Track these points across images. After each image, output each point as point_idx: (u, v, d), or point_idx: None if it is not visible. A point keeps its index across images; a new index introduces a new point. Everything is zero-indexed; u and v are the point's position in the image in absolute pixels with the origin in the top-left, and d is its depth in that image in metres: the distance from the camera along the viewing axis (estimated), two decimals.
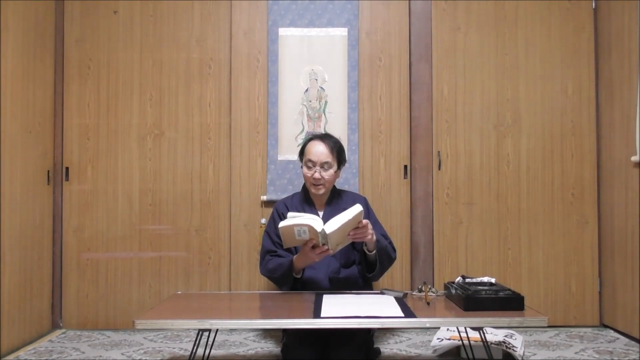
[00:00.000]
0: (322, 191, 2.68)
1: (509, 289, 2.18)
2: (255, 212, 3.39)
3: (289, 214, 2.44)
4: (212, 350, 2.62)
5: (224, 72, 3.44)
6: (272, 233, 2.67)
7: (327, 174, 2.66)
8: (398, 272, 3.37)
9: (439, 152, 3.41)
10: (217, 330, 2.39)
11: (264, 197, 3.37)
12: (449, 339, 2.76)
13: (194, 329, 2.19)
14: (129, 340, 3.13)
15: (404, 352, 2.86)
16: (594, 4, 3.41)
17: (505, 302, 2.11)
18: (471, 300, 2.10)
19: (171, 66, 3.44)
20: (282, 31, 3.41)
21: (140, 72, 3.44)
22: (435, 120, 3.42)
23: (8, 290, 2.87)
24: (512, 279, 3.37)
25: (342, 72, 3.40)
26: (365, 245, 2.58)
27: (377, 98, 3.43)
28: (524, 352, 2.74)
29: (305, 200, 2.75)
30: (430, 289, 2.42)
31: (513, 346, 2.67)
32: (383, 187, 3.41)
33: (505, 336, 2.77)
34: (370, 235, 2.46)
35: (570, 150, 3.40)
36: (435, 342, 2.81)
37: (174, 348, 2.96)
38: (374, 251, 2.57)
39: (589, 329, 3.30)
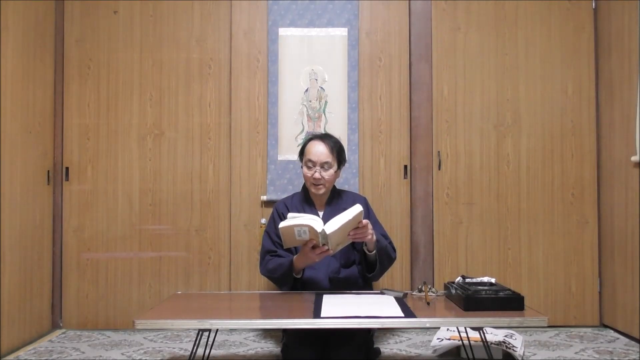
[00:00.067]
0: (322, 191, 2.68)
1: (509, 289, 2.18)
2: (255, 212, 3.39)
3: (289, 215, 2.44)
4: (212, 350, 2.62)
5: (224, 72, 3.44)
6: (272, 233, 2.67)
7: (327, 174, 2.66)
8: (398, 272, 3.37)
9: (439, 152, 3.41)
10: (217, 330, 2.39)
11: (264, 197, 3.37)
12: (449, 339, 2.76)
13: (194, 329, 2.19)
14: (129, 340, 3.13)
15: (404, 352, 2.86)
16: (594, 4, 3.41)
17: (505, 302, 2.11)
18: (471, 300, 2.10)
19: (171, 66, 3.44)
20: (282, 31, 3.41)
21: (140, 72, 3.44)
22: (435, 120, 3.42)
23: (8, 290, 2.87)
24: (512, 279, 3.37)
25: (342, 72, 3.40)
26: (365, 245, 2.58)
27: (377, 98, 3.43)
28: (524, 352, 2.74)
29: (305, 200, 2.75)
30: (430, 289, 2.42)
31: (513, 346, 2.67)
32: (383, 187, 3.41)
33: (505, 336, 2.77)
34: (370, 235, 2.46)
35: (570, 150, 3.40)
36: (435, 342, 2.81)
37: (174, 348, 2.96)
38: (374, 251, 2.57)
39: (589, 329, 3.30)
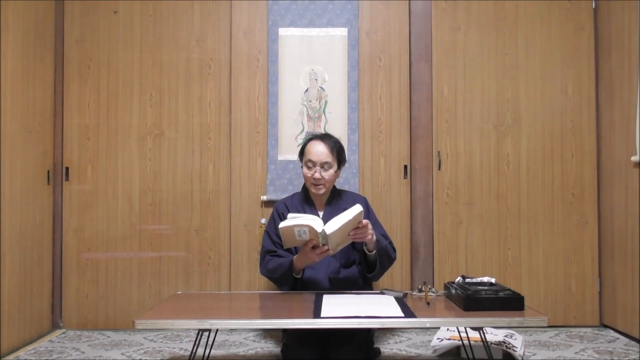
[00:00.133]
0: (322, 191, 2.68)
1: (509, 289, 2.18)
2: (255, 212, 3.39)
3: (289, 215, 2.44)
4: (212, 350, 2.62)
5: (224, 72, 3.44)
6: (272, 233, 2.67)
7: (327, 174, 2.66)
8: (398, 272, 3.37)
9: (439, 152, 3.41)
10: (217, 330, 2.39)
11: (264, 197, 3.37)
12: (449, 339, 2.76)
13: (194, 329, 2.19)
14: (129, 340, 3.13)
15: (404, 352, 2.86)
16: (594, 4, 3.41)
17: (505, 302, 2.11)
18: (471, 300, 2.10)
19: (171, 66, 3.44)
20: (282, 31, 3.41)
21: (140, 72, 3.44)
22: (435, 120, 3.42)
23: (8, 290, 2.87)
24: (512, 279, 3.37)
25: (342, 72, 3.40)
26: (365, 245, 2.58)
27: (377, 98, 3.43)
28: (524, 352, 2.74)
29: (305, 201, 2.75)
30: (430, 289, 2.42)
31: (513, 346, 2.67)
32: (383, 187, 3.41)
33: (505, 336, 2.77)
34: (370, 236, 2.46)
35: (570, 150, 3.40)
36: (435, 342, 2.81)
37: (174, 348, 2.96)
38: (374, 251, 2.57)
39: (589, 329, 3.30)
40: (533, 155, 3.40)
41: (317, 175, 2.64)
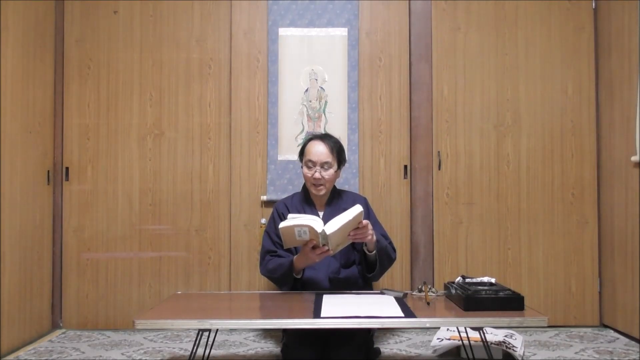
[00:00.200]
0: (322, 191, 2.68)
1: (509, 289, 2.18)
2: (255, 212, 3.39)
3: (290, 215, 2.44)
4: (212, 350, 2.62)
5: (224, 72, 3.44)
6: (272, 233, 2.67)
7: (327, 174, 2.66)
8: (398, 272, 3.37)
9: (439, 152, 3.41)
10: (217, 330, 2.39)
11: (264, 197, 3.37)
12: (449, 339, 2.76)
13: (194, 329, 2.19)
14: (129, 340, 3.13)
15: (404, 352, 2.86)
16: (594, 4, 3.41)
17: (505, 302, 2.11)
18: (471, 300, 2.10)
19: (171, 66, 3.44)
20: (282, 31, 3.41)
21: (140, 72, 3.44)
22: (435, 120, 3.42)
23: (8, 290, 2.87)
24: (512, 279, 3.37)
25: (342, 72, 3.40)
26: (365, 245, 2.58)
27: (377, 98, 3.43)
28: (524, 352, 2.74)
29: (305, 201, 2.75)
30: (430, 289, 2.42)
31: (513, 346, 2.67)
32: (383, 187, 3.41)
33: (505, 336, 2.77)
34: (371, 236, 2.46)
35: (570, 150, 3.40)
36: (435, 342, 2.81)
37: (174, 348, 2.96)
38: (374, 251, 2.57)
39: (589, 329, 3.30)
40: (533, 155, 3.40)
41: (317, 175, 2.64)
